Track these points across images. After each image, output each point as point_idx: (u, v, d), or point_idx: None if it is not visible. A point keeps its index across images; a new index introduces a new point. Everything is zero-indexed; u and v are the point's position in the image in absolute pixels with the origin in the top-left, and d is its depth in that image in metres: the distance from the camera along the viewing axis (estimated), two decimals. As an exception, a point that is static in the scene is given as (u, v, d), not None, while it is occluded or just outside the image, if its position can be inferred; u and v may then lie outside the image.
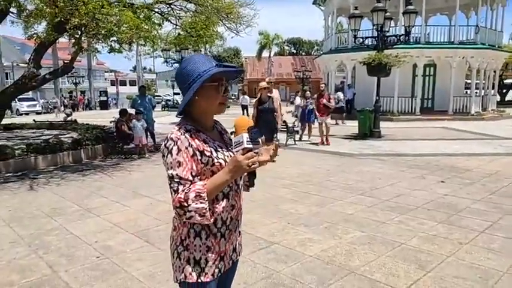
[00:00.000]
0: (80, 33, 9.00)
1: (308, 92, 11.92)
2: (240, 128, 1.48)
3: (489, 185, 6.17)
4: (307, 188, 6.12)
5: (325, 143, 10.63)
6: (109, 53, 10.71)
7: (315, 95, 11.51)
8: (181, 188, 1.41)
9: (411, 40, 16.63)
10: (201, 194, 1.38)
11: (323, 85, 11.49)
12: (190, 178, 1.43)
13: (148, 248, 3.85)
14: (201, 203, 1.37)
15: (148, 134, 10.49)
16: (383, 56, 11.84)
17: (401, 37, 13.10)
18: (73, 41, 9.27)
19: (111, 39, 9.62)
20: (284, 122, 10.01)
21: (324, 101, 10.68)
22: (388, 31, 12.98)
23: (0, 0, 8.03)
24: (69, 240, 4.08)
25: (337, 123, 16.12)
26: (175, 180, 1.43)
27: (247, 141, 1.44)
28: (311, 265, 3.43)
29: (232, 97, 56.17)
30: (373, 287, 3.05)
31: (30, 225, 4.58)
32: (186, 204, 1.38)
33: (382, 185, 6.28)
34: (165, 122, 17.72)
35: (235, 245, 1.72)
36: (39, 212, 5.07)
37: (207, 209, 1.39)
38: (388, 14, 12.43)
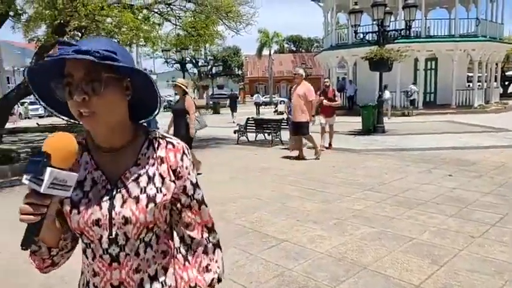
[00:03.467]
0: (80, 35, 9.00)
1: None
2: (55, 152, 0.84)
3: (497, 178, 6.13)
4: (313, 185, 6.08)
5: (329, 147, 9.24)
6: (110, 54, 10.69)
7: (318, 92, 9.63)
8: None
9: (412, 34, 16.58)
10: None
11: (327, 80, 10.05)
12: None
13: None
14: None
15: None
16: (384, 50, 11.80)
17: (402, 31, 13.06)
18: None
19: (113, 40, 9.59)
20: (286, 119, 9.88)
21: (325, 101, 9.10)
22: (388, 26, 12.93)
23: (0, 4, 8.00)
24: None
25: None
26: None
27: (31, 177, 0.83)
28: (323, 262, 3.40)
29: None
30: (387, 282, 3.03)
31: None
32: None
33: (389, 180, 6.24)
34: (167, 123, 17.76)
35: None
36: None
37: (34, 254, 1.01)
38: (388, 8, 12.38)
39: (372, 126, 12.15)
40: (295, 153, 8.44)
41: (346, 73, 24.95)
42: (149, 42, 10.57)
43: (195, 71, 37.49)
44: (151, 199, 0.97)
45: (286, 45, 65.71)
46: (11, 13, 9.11)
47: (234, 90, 63.02)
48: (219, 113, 27.59)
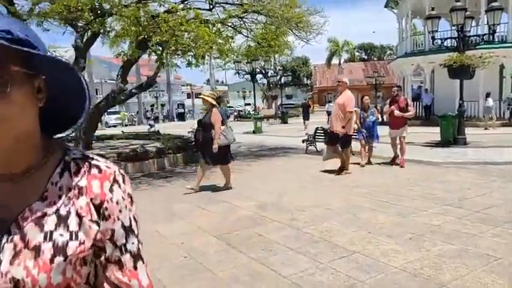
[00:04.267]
0: (161, 49, 9.70)
1: (367, 99, 9.04)
2: None
3: None
4: (386, 197, 5.87)
5: (399, 163, 8.42)
6: (186, 66, 11.40)
7: (387, 101, 9.16)
8: None
9: (496, 39, 15.32)
10: None
11: (395, 89, 8.92)
12: None
13: (230, 250, 3.98)
14: None
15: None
16: (465, 57, 11.04)
17: (485, 36, 12.15)
18: (155, 57, 10.00)
19: (189, 53, 10.23)
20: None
21: (396, 111, 8.23)
22: (469, 31, 12.10)
23: (94, 24, 8.94)
24: (159, 242, 4.37)
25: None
26: None
27: None
28: (397, 277, 3.29)
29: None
30: (468, 303, 2.84)
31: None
32: None
33: (471, 195, 5.81)
34: (238, 132, 18.31)
35: None
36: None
37: None
38: (468, 12, 11.60)
39: (452, 138, 11.37)
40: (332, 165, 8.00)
41: (422, 81, 23.70)
42: (223, 54, 11.06)
43: (265, 81, 38.18)
44: (59, 250, 0.66)
45: (357, 54, 64.21)
46: (102, 31, 10.13)
47: (302, 100, 62.98)
48: (287, 123, 27.73)
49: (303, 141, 11.45)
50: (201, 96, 6.71)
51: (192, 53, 10.24)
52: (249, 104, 38.12)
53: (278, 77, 37.31)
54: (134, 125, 34.08)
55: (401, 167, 8.21)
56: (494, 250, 3.73)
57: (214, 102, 6.54)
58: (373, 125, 8.61)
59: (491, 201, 5.44)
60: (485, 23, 13.67)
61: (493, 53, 12.46)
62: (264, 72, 34.95)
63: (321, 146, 11.20)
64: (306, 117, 20.72)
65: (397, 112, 8.23)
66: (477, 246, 3.86)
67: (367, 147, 8.72)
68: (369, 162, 8.75)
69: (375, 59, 63.09)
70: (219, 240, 4.29)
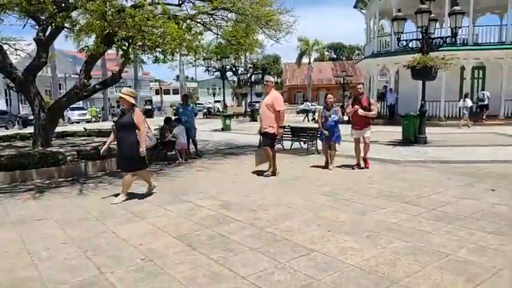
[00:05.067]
0: (127, 45, 9.44)
1: (331, 97, 8.39)
2: None
3: (547, 195, 5.76)
4: (348, 196, 6.00)
5: (363, 165, 8.25)
6: (154, 63, 11.16)
7: (349, 101, 8.76)
8: None
9: (458, 42, 15.97)
10: None
11: (361, 86, 8.57)
12: None
13: (190, 252, 3.93)
14: None
15: (191, 140, 10.78)
16: (428, 58, 11.44)
17: (448, 39, 12.62)
18: (121, 52, 9.74)
19: (156, 50, 10.03)
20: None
21: (360, 110, 7.95)
22: (433, 33, 12.53)
23: (57, 17, 8.58)
24: (116, 243, 4.26)
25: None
26: None
27: None
28: (352, 274, 3.36)
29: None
30: (418, 299, 2.94)
31: (81, 227, 4.83)
32: None
33: (429, 193, 6.03)
34: (207, 129, 18.19)
35: None
36: (88, 215, 5.35)
37: None
38: (433, 15, 12.02)
39: (413, 137, 11.78)
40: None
41: (388, 81, 24.36)
42: (191, 51, 10.91)
43: (235, 78, 38.07)
44: None
45: (326, 53, 65.20)
46: (67, 25, 9.75)
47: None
48: (256, 120, 27.80)
49: (271, 140, 11.49)
50: (120, 94, 6.07)
51: (159, 49, 10.05)
52: (219, 101, 37.95)
53: (248, 75, 37.26)
54: (99, 121, 33.10)
55: (366, 167, 8.18)
56: (445, 246, 3.89)
57: (134, 102, 5.96)
58: (335, 125, 8.10)
59: (446, 199, 5.67)
60: (448, 26, 14.20)
61: (454, 55, 12.98)
62: (234, 69, 34.84)
63: (287, 144, 11.32)
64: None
65: (361, 111, 7.93)
66: (430, 243, 4.01)
67: (329, 150, 8.28)
68: (329, 163, 8.31)
69: (343, 58, 64.36)
70: (179, 241, 4.23)
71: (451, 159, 8.88)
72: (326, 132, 8.06)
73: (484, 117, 17.83)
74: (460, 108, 17.48)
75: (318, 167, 8.48)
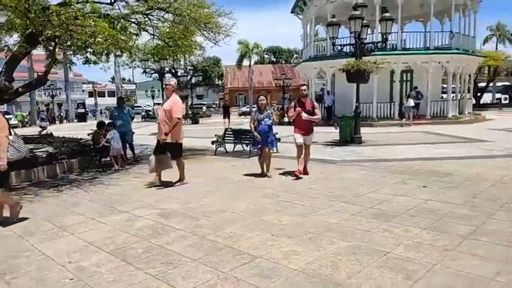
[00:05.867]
0: (53, 44, 8.75)
1: (263, 99, 7.52)
2: None
3: (470, 189, 6.21)
4: (289, 197, 6.01)
5: (300, 172, 7.45)
6: (84, 64, 10.48)
7: (291, 103, 7.92)
8: None
9: (388, 47, 16.92)
10: None
11: (304, 87, 7.80)
12: None
13: (125, 267, 3.65)
14: None
15: (127, 145, 10.26)
16: (361, 63, 11.96)
17: (379, 44, 13.31)
18: (47, 53, 9.00)
19: (87, 50, 9.42)
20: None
21: (304, 114, 7.29)
22: (365, 38, 13.15)
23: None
24: (40, 262, 3.84)
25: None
26: None
27: None
28: (296, 279, 3.31)
29: (214, 106, 56.11)
30: (361, 300, 2.95)
31: (-1, 247, 4.31)
32: None
33: (365, 191, 6.24)
34: (145, 133, 17.47)
35: None
36: (9, 232, 4.80)
37: None
38: (365, 21, 12.60)
39: (349, 137, 12.25)
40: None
41: (325, 84, 25.25)
42: (126, 51, 10.40)
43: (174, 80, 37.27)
44: None
45: (266, 56, 66.27)
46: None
47: (215, 100, 62.85)
48: (198, 123, 27.41)
49: (213, 143, 11.32)
50: None
51: (90, 50, 9.44)
52: (159, 104, 36.88)
53: (188, 77, 36.65)
54: (26, 126, 30.60)
55: (305, 174, 7.57)
56: (384, 245, 3.99)
57: None
58: (269, 130, 7.41)
59: (383, 196, 5.89)
60: (379, 31, 14.99)
61: (385, 60, 13.73)
62: (173, 71, 34.04)
63: (229, 147, 11.20)
64: (226, 116, 23.01)
65: (305, 115, 7.30)
66: (369, 241, 4.10)
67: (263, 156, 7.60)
68: (265, 171, 7.68)
69: (283, 62, 65.81)
70: (113, 256, 3.90)
71: (384, 158, 9.33)
72: (259, 136, 7.40)
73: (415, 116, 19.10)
74: (405, 107, 18.75)
75: (256, 175, 7.98)
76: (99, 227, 4.84)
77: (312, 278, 3.33)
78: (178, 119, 6.86)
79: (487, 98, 42.37)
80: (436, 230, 4.38)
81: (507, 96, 45.34)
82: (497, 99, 43.31)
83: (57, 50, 9.32)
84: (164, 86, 7.29)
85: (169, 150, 6.99)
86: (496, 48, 43.02)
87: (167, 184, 7.09)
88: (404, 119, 18.30)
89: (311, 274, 3.39)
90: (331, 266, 3.54)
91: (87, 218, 5.23)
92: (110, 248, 4.12)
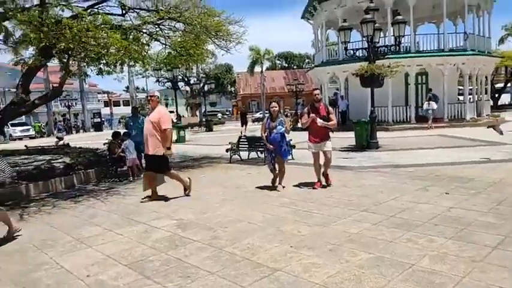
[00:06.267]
0: (67, 57, 8.87)
1: (275, 105, 7.07)
2: None
3: (495, 195, 5.99)
4: (307, 207, 5.89)
5: (325, 182, 7.23)
6: (97, 75, 10.60)
7: (305, 109, 7.44)
8: None
9: (401, 50, 16.71)
10: None
11: (317, 92, 7.25)
12: None
13: (143, 281, 3.60)
14: None
15: (142, 155, 10.28)
16: (375, 66, 11.81)
17: (392, 47, 13.15)
18: (61, 65, 9.13)
19: (100, 61, 9.53)
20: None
21: (319, 120, 6.85)
22: (378, 42, 13.00)
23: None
24: (59, 276, 3.82)
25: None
26: None
27: None
28: (318, 294, 3.21)
29: (227, 113, 56.32)
30: (387, 316, 2.83)
31: (18, 260, 4.32)
32: None
33: (385, 199, 6.08)
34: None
35: None
36: (29, 244, 4.82)
37: None
38: (377, 25, 12.46)
39: (366, 142, 12.06)
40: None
41: (338, 88, 25.07)
42: (138, 61, 10.50)
43: (187, 88, 37.49)
44: None
45: (277, 62, 66.37)
46: (0, 37, 9.01)
47: (228, 106, 63.13)
48: (212, 130, 27.47)
49: (227, 151, 11.28)
50: None
51: (103, 61, 9.55)
52: (172, 112, 37.20)
53: (201, 85, 36.87)
54: (44, 136, 31.16)
55: (328, 185, 7.18)
56: (408, 256, 3.85)
57: None
58: (282, 139, 6.91)
59: (404, 204, 5.72)
60: (392, 34, 14.82)
61: (399, 63, 13.54)
62: (186, 79, 34.29)
63: (244, 154, 11.15)
64: (244, 123, 22.75)
65: (319, 121, 6.86)
66: (393, 253, 3.96)
67: (277, 170, 7.12)
68: (278, 183, 7.23)
69: (295, 67, 65.76)
70: (131, 269, 3.86)
71: (403, 164, 9.12)
72: (271, 146, 6.92)
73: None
74: (424, 110, 18.59)
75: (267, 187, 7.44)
76: (117, 239, 4.82)
77: (334, 292, 3.22)
78: (166, 130, 6.51)
79: (505, 99, 41.43)
80: (462, 239, 4.21)
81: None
82: (515, 99, 42.37)
83: (70, 62, 9.45)
84: (149, 98, 6.81)
85: (156, 164, 6.62)
86: (513, 47, 42.19)
87: (166, 198, 6.83)
88: (430, 121, 18.10)
89: (333, 288, 3.28)
90: (354, 280, 3.42)
91: (104, 230, 5.22)
92: (128, 261, 4.08)
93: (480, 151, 10.52)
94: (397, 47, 13.12)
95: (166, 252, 4.29)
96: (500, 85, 39.26)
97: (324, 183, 7.25)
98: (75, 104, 42.64)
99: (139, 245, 4.57)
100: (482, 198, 5.87)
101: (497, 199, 5.74)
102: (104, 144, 11.58)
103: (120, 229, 5.19)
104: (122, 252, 4.34)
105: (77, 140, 21.64)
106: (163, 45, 12.01)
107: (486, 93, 23.81)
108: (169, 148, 6.57)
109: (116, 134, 10.02)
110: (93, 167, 9.31)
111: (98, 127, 38.31)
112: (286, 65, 68.61)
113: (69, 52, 8.45)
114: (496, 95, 36.77)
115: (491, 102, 27.46)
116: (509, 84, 40.68)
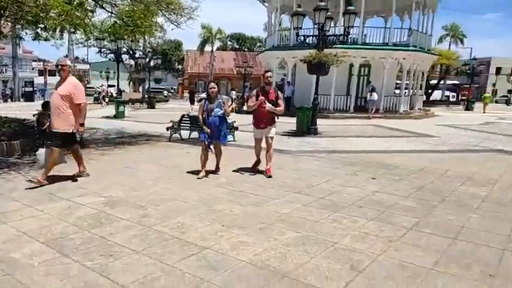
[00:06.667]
0: (-1, 17, 8.06)
1: (213, 86, 6.51)
2: None
3: (416, 182, 6.44)
4: (243, 187, 5.93)
5: (264, 170, 6.81)
6: (33, 40, 9.76)
7: (253, 92, 7.06)
8: None
9: (349, 40, 17.18)
10: None
11: (270, 74, 6.80)
12: None
13: (61, 259, 3.40)
14: None
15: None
16: (323, 54, 12.04)
17: (341, 37, 13.46)
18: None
19: (38, 25, 8.77)
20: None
21: (268, 104, 6.53)
22: (328, 30, 13.25)
23: None
24: (-35, 253, 3.50)
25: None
26: None
27: None
28: (243, 271, 3.24)
29: (172, 91, 54.81)
30: (305, 292, 2.94)
31: None
32: None
33: (318, 182, 6.29)
34: (95, 116, 16.64)
35: None
36: None
37: None
38: (329, 13, 12.67)
39: (306, 128, 12.36)
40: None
41: (286, 74, 25.33)
42: (80, 29, 9.80)
43: (132, 62, 35.82)
44: None
45: (229, 43, 65.44)
46: None
47: (174, 84, 61.42)
48: (154, 108, 26.62)
49: (167, 129, 10.99)
50: None
51: (41, 25, 8.79)
52: (113, 86, 35.45)
53: (147, 59, 35.38)
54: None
55: (269, 176, 6.61)
56: (332, 235, 4.02)
57: None
58: (220, 121, 6.49)
59: (334, 187, 5.96)
60: (342, 25, 15.15)
61: (345, 53, 13.93)
62: (131, 52, 32.69)
63: (185, 134, 10.93)
64: (192, 101, 23.51)
65: (268, 105, 6.53)
66: (318, 232, 4.11)
67: (209, 152, 6.62)
68: (217, 169, 6.91)
69: (246, 49, 65.30)
70: (48, 247, 3.63)
71: (338, 149, 9.49)
72: (208, 130, 6.48)
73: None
74: (369, 101, 19.59)
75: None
76: (36, 215, 4.50)
77: (259, 269, 3.28)
78: (79, 105, 5.86)
79: (437, 95, 44.47)
80: (382, 221, 4.48)
81: (455, 94, 47.93)
82: (445, 96, 45.69)
83: (2, 22, 8.60)
84: (59, 66, 5.91)
85: (66, 140, 5.97)
86: (449, 47, 45.28)
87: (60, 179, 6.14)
88: (372, 111, 19.08)
89: (259, 265, 3.34)
90: (280, 257, 3.51)
91: (23, 205, 4.85)
92: (46, 238, 3.83)
93: (408, 142, 11.24)
94: (346, 37, 13.46)
95: (89, 230, 4.09)
96: (434, 81, 42.09)
97: (262, 169, 6.97)
98: (5, 70, 39.12)
99: (61, 222, 4.31)
100: (404, 184, 6.28)
101: (418, 185, 6.17)
102: (34, 115, 10.75)
103: (40, 205, 4.85)
104: (41, 229, 4.07)
105: (3, 109, 19.89)
106: (109, 14, 11.32)
107: (421, 88, 25.36)
108: (82, 124, 6.01)
109: (46, 105, 9.30)
110: (19, 139, 8.61)
111: (29, 97, 35.41)
112: (238, 47, 67.92)
113: (2, 11, 7.67)
114: (430, 91, 39.34)
115: (424, 97, 29.32)
116: (442, 82, 43.79)
